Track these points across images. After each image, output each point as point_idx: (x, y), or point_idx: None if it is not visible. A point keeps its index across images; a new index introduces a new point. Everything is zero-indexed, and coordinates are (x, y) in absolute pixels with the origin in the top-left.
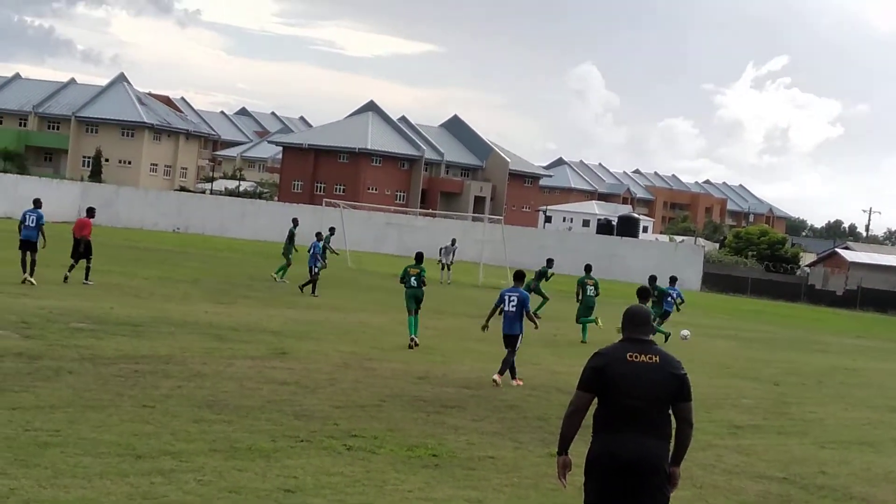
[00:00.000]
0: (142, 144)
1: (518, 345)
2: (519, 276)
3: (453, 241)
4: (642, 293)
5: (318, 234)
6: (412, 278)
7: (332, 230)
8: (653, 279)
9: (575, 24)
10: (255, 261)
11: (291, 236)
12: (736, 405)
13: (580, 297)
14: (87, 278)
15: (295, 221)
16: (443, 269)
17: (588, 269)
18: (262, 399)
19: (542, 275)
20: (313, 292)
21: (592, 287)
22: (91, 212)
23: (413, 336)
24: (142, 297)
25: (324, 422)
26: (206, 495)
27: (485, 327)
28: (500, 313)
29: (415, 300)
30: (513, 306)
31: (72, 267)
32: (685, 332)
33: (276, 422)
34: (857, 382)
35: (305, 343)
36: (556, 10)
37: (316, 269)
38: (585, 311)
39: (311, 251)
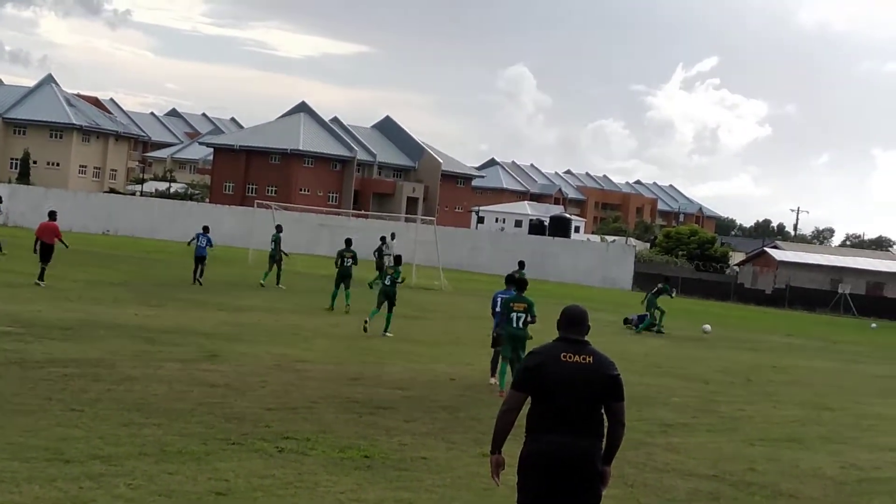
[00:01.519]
0: (70, 146)
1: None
2: (512, 279)
3: (392, 236)
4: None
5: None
6: (388, 277)
7: (279, 228)
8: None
9: (507, 25)
10: (185, 263)
11: (278, 241)
12: (666, 403)
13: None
14: (41, 279)
15: (279, 228)
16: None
17: (521, 285)
18: (192, 402)
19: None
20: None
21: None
22: (53, 215)
23: (368, 319)
24: (71, 300)
25: (255, 424)
26: (137, 499)
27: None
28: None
29: (385, 296)
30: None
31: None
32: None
33: (208, 424)
34: (785, 380)
35: (237, 345)
36: (488, 12)
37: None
38: None
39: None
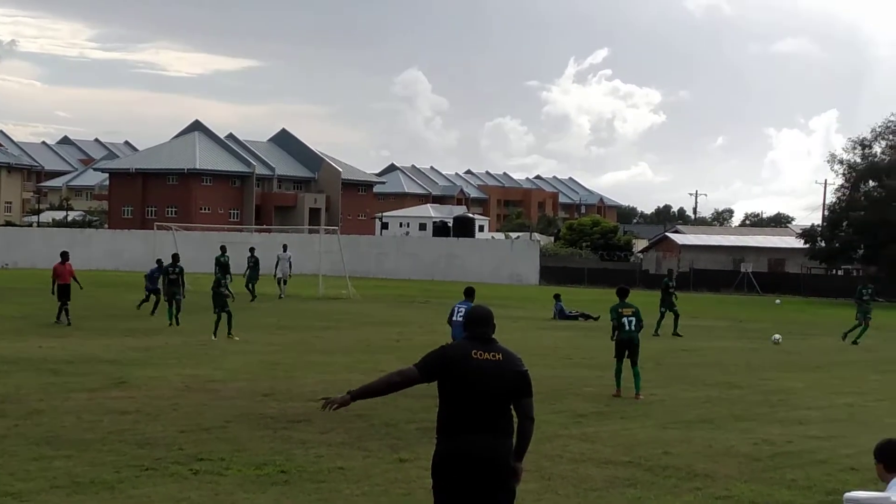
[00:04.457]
0: None
1: None
2: (469, 292)
3: (284, 248)
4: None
5: (159, 261)
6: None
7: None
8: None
9: (396, 30)
10: (88, 290)
11: (223, 265)
12: (579, 394)
13: (616, 334)
14: (67, 316)
15: (223, 248)
16: (279, 283)
17: (624, 293)
18: (102, 431)
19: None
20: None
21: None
22: (66, 256)
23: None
24: None
25: (168, 448)
26: None
27: None
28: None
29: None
30: (461, 316)
31: (63, 308)
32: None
33: (119, 452)
34: (694, 362)
35: (145, 370)
36: (377, 18)
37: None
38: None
39: (150, 274)
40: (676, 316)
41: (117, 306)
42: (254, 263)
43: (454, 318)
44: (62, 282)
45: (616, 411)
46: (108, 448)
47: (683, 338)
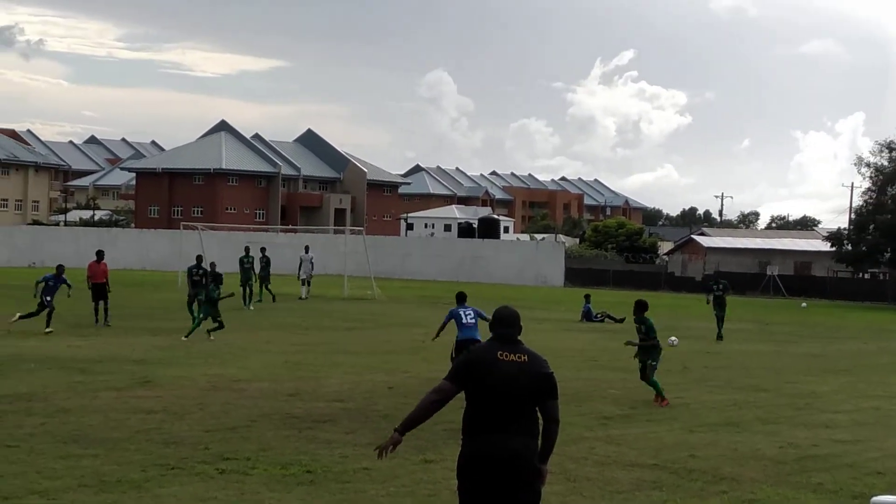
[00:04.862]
0: None
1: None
2: (462, 296)
3: (306, 248)
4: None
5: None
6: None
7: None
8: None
9: (422, 31)
10: (114, 289)
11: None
12: (605, 396)
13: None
14: (106, 316)
15: (246, 249)
16: (303, 284)
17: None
18: (129, 430)
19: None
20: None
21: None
22: (101, 255)
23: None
24: None
25: (194, 447)
26: None
27: (435, 339)
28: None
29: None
30: (471, 319)
31: (99, 310)
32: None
33: (146, 451)
34: (719, 365)
35: (171, 369)
36: (401, 19)
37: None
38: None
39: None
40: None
41: (144, 306)
42: (265, 263)
43: (463, 322)
44: (96, 281)
45: (642, 414)
46: (135, 447)
47: (709, 340)
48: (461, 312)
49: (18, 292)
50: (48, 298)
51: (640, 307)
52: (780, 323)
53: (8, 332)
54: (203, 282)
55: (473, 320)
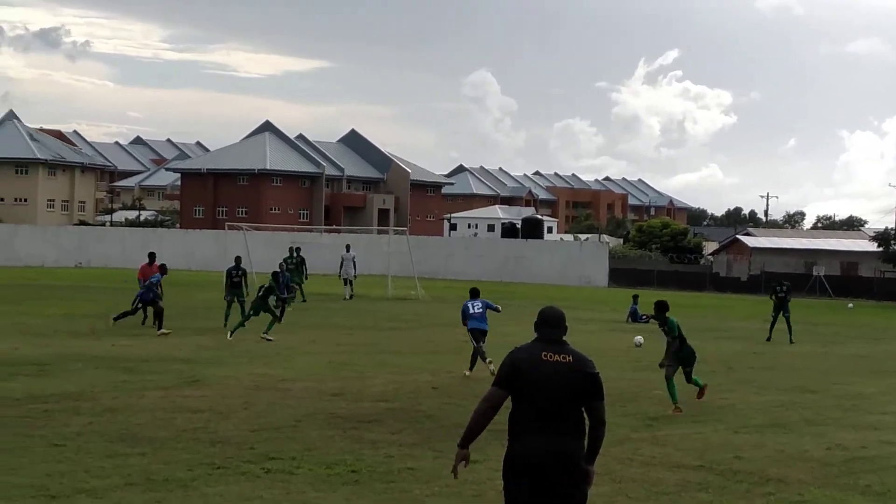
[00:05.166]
0: (37, 181)
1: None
2: (476, 292)
3: (347, 248)
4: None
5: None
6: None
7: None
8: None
9: (466, 31)
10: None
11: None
12: (649, 397)
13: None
14: (159, 321)
15: (291, 250)
16: (345, 284)
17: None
18: (176, 429)
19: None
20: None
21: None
22: (153, 257)
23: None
24: (46, 336)
25: (240, 447)
26: None
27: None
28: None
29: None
30: (478, 309)
31: (146, 316)
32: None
33: (192, 450)
34: (765, 366)
35: (217, 369)
36: (445, 20)
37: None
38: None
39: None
40: (787, 323)
41: (189, 305)
42: (299, 262)
43: (471, 312)
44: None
45: (687, 415)
46: (182, 446)
47: (753, 341)
48: (469, 304)
49: (67, 291)
50: (155, 299)
51: (661, 308)
52: (826, 324)
53: (55, 332)
54: (242, 283)
55: (481, 310)
